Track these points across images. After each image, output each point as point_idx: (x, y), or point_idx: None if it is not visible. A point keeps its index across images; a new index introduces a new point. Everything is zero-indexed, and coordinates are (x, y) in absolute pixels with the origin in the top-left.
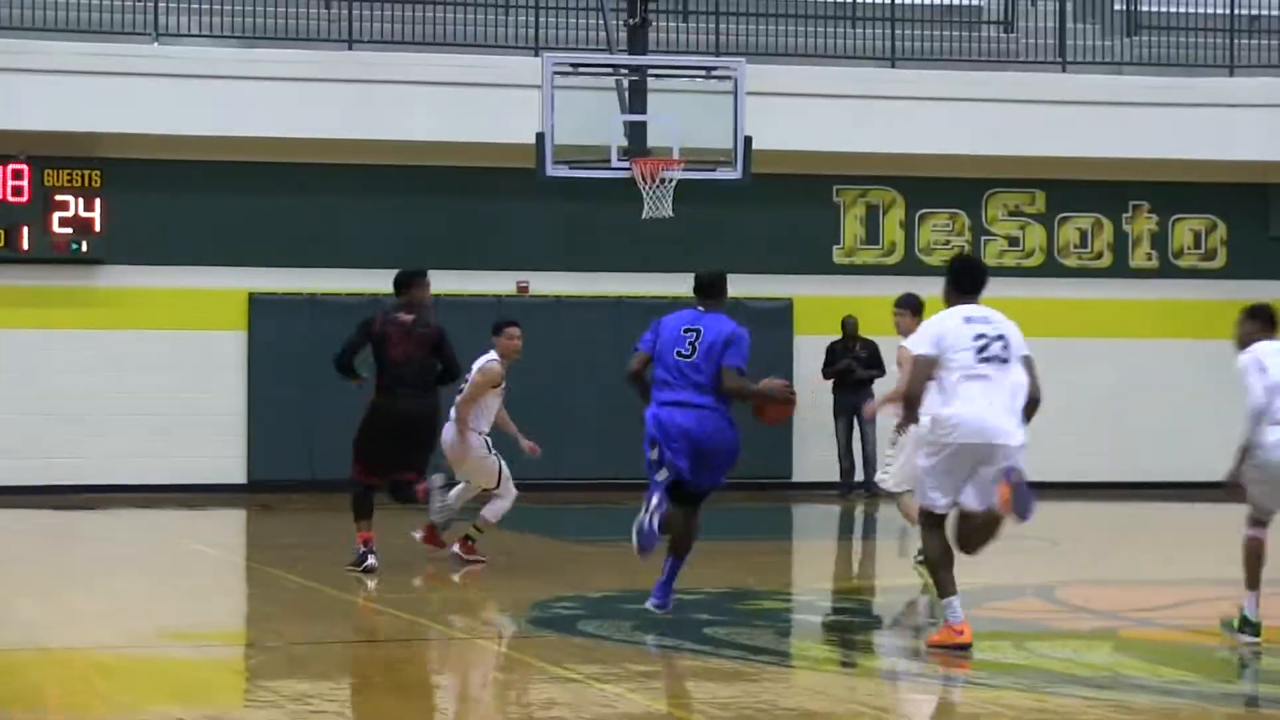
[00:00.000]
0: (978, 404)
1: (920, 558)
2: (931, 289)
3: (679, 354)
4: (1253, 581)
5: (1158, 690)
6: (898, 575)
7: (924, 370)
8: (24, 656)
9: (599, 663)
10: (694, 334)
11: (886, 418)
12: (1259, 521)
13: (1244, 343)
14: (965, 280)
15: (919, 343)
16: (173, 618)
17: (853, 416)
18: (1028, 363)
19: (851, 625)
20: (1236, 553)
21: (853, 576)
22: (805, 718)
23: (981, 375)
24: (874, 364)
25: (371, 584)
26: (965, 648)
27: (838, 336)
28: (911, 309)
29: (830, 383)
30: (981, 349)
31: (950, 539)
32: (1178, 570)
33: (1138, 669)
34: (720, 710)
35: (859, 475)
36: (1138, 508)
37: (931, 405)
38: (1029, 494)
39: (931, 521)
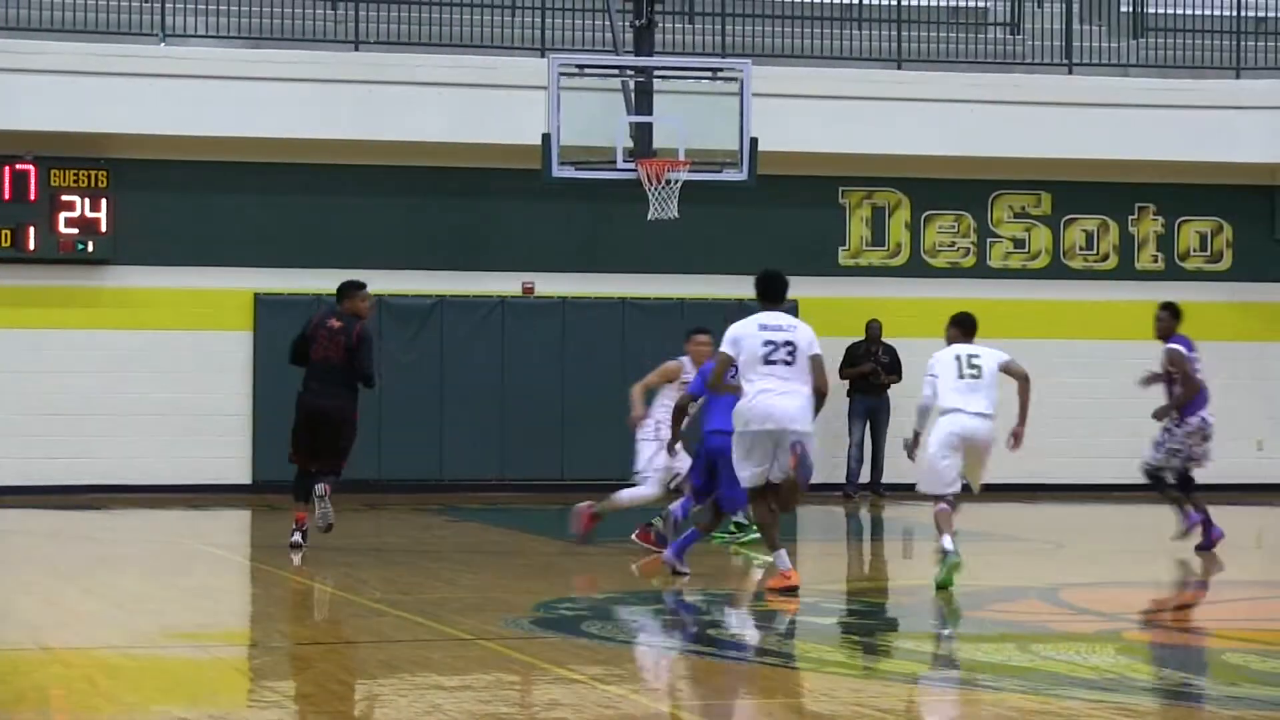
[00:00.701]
0: (767, 399)
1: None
2: (937, 291)
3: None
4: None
5: (1162, 693)
6: (903, 576)
7: (723, 364)
8: (28, 656)
9: (603, 664)
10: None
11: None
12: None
13: (949, 344)
14: (766, 291)
15: (724, 343)
16: (177, 618)
17: (868, 419)
18: (815, 361)
19: (856, 626)
20: (1243, 555)
21: (858, 578)
22: (810, 719)
23: (767, 375)
24: (894, 369)
25: (296, 559)
26: (794, 589)
27: (858, 338)
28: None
29: (846, 384)
30: (767, 355)
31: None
32: (1183, 572)
33: (1141, 671)
34: (724, 712)
35: (865, 477)
36: (1142, 510)
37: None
38: (809, 463)
39: (752, 495)
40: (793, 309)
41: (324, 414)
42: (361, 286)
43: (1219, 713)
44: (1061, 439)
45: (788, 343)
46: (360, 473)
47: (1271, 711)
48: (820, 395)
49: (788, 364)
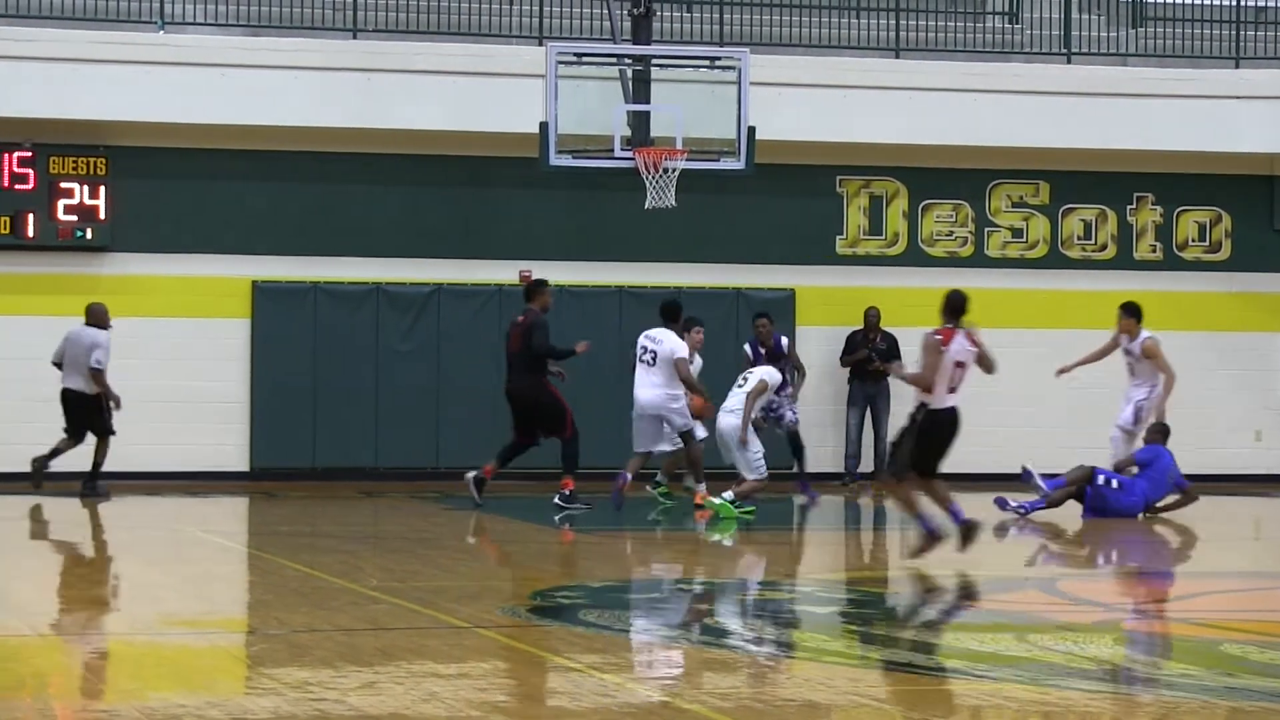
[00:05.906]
0: (638, 389)
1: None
2: (934, 280)
3: None
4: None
5: (1159, 683)
6: (901, 566)
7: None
8: (26, 643)
9: (600, 652)
10: None
11: None
12: None
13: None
14: (664, 312)
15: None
16: (175, 604)
17: (866, 407)
18: (676, 362)
19: (854, 616)
20: (1239, 545)
21: (856, 567)
22: (806, 709)
23: (639, 373)
24: (892, 356)
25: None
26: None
27: (855, 327)
28: (1134, 315)
29: (846, 372)
30: (640, 356)
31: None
32: (1181, 563)
33: (1139, 662)
34: (721, 700)
35: (867, 466)
36: None
37: None
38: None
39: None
40: (789, 297)
41: (514, 397)
42: (543, 284)
43: (1217, 704)
44: (1060, 429)
45: (653, 351)
46: (357, 460)
47: (1270, 703)
48: (685, 381)
49: (650, 365)
